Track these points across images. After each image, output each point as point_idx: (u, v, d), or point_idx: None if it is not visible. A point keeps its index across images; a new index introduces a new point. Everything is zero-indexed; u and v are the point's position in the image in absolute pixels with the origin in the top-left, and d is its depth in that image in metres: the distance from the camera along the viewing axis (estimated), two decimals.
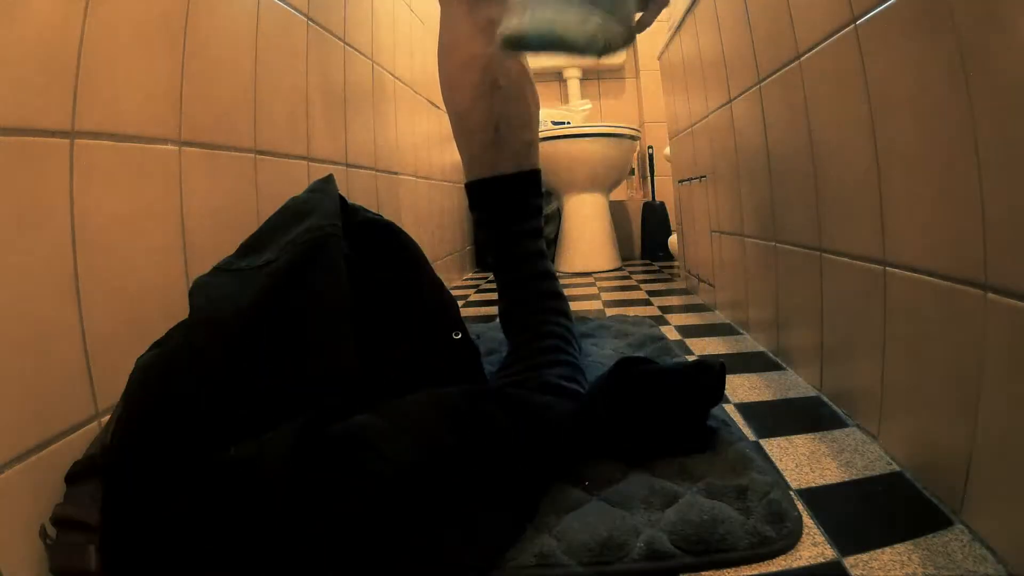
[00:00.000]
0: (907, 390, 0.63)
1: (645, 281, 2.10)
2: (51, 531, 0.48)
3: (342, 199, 0.67)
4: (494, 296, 1.94)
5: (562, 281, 2.20)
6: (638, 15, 0.71)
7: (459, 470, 0.52)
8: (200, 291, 0.59)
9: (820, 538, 0.52)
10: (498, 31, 0.61)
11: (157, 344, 0.57)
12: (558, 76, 2.92)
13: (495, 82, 0.95)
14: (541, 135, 2.36)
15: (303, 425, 0.50)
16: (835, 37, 0.72)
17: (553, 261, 2.63)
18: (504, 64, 0.97)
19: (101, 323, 0.57)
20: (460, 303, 1.78)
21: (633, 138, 2.35)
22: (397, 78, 1.65)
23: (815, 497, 0.59)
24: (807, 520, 0.55)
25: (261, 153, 0.89)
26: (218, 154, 0.79)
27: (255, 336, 0.53)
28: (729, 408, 0.83)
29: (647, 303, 1.65)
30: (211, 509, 0.46)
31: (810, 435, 0.72)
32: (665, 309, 1.55)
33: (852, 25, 0.67)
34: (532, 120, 1.01)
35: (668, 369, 0.73)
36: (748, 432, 0.75)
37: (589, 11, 0.59)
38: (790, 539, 0.52)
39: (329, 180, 0.69)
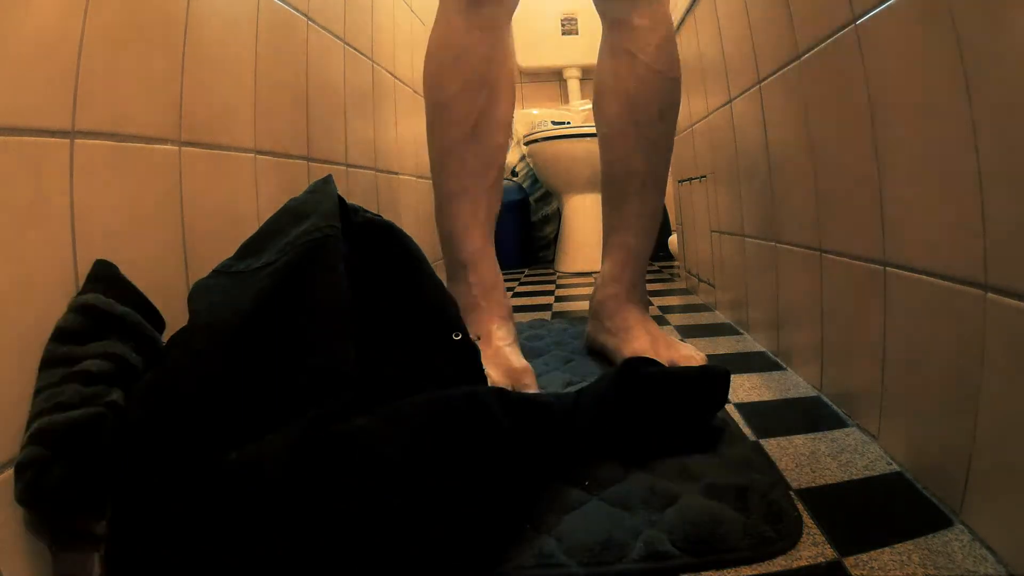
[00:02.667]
0: (907, 390, 0.63)
1: (645, 281, 2.10)
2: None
3: (341, 200, 0.67)
4: None
5: (562, 281, 2.20)
6: None
7: (459, 471, 0.52)
8: (200, 295, 0.59)
9: (820, 538, 0.52)
10: None
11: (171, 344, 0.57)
12: (558, 76, 2.92)
13: (484, 78, 0.97)
14: (541, 135, 2.37)
15: (303, 428, 0.50)
16: (835, 37, 0.72)
17: (553, 261, 2.64)
18: (496, 63, 0.99)
19: None
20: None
21: None
22: (397, 78, 1.65)
23: (815, 497, 0.59)
24: (807, 520, 0.55)
25: (261, 153, 0.89)
26: (218, 154, 0.79)
27: (255, 339, 0.53)
28: (729, 408, 0.83)
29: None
30: (213, 513, 0.46)
31: (810, 435, 0.72)
32: (665, 309, 1.55)
33: (852, 25, 0.67)
34: (508, 123, 1.03)
35: (673, 373, 0.73)
36: (748, 432, 0.75)
37: None
38: (790, 539, 0.52)
39: (328, 181, 0.69)
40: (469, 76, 0.97)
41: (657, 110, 1.00)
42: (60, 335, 0.51)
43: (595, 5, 1.02)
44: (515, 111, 2.93)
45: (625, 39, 0.99)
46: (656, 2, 0.97)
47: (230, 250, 0.65)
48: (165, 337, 0.60)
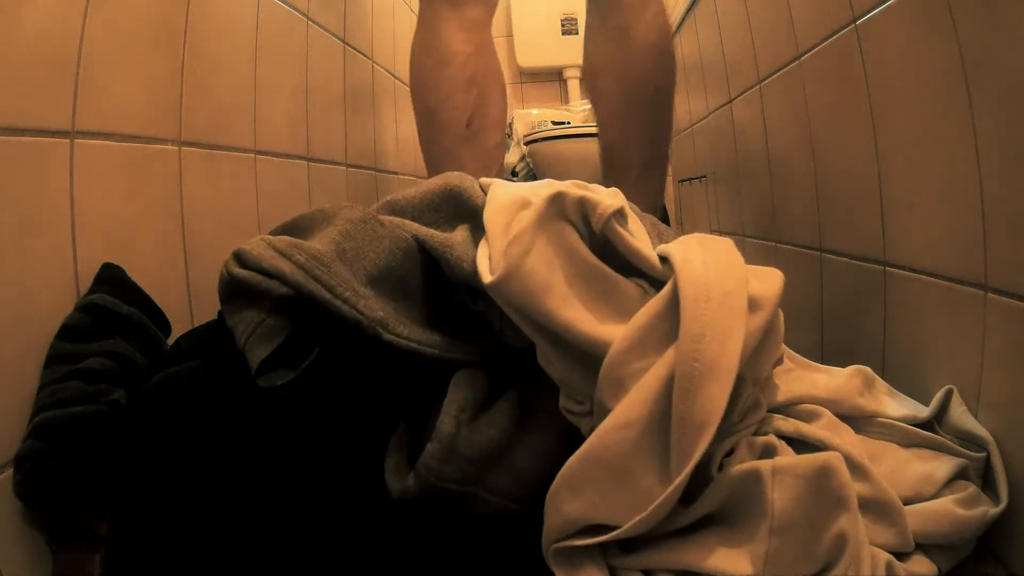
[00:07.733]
0: (907, 390, 0.63)
1: None
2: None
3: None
4: None
5: None
6: None
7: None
8: None
9: None
10: None
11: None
12: (558, 76, 2.92)
13: (472, 78, 0.97)
14: (541, 135, 2.37)
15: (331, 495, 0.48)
16: (835, 37, 0.72)
17: None
18: (483, 62, 0.99)
19: None
20: None
21: None
22: (397, 78, 1.65)
23: None
24: None
25: (261, 153, 0.89)
26: (218, 154, 0.79)
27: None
28: None
29: None
30: (218, 532, 0.46)
31: None
32: None
33: (852, 25, 0.67)
34: (502, 121, 1.02)
35: None
36: None
37: None
38: None
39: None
40: (456, 78, 0.96)
41: (653, 87, 0.99)
42: (65, 333, 0.51)
43: None
44: (515, 111, 2.92)
45: (616, 15, 0.97)
46: None
47: (229, 250, 0.65)
48: (170, 340, 0.60)
